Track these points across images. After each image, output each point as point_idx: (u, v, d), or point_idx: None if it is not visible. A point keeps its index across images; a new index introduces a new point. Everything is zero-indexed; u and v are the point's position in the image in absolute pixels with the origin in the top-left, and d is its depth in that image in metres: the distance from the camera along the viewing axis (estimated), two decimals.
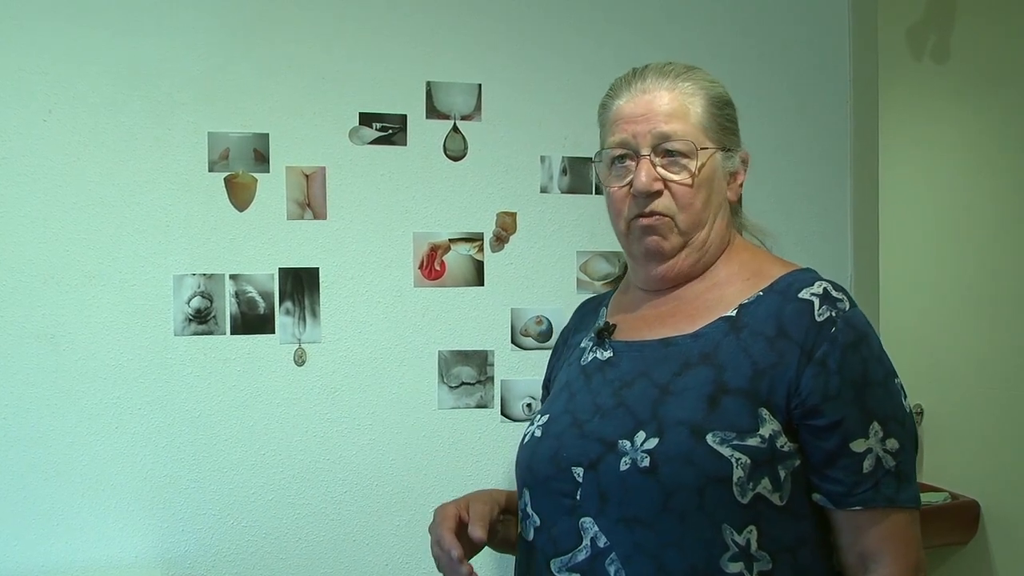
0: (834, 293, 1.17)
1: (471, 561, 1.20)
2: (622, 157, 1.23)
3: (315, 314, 1.90)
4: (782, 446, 1.13)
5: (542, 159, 2.01)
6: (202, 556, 1.84)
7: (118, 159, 1.81)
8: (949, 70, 3.16)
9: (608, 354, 1.26)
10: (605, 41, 2.03)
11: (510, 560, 1.33)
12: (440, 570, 1.24)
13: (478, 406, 1.97)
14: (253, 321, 1.87)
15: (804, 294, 1.17)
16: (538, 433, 1.26)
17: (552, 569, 1.17)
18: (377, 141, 1.93)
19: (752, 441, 1.11)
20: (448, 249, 1.96)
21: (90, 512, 1.79)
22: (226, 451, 1.85)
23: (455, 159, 1.97)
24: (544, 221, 2.01)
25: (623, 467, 1.13)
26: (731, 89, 1.28)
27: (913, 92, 3.23)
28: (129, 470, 1.81)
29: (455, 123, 1.97)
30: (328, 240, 1.90)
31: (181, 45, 1.84)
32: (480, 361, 1.97)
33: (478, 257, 1.98)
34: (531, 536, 1.22)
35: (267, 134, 1.88)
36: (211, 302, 1.85)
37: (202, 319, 1.84)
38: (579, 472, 1.17)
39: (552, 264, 2.01)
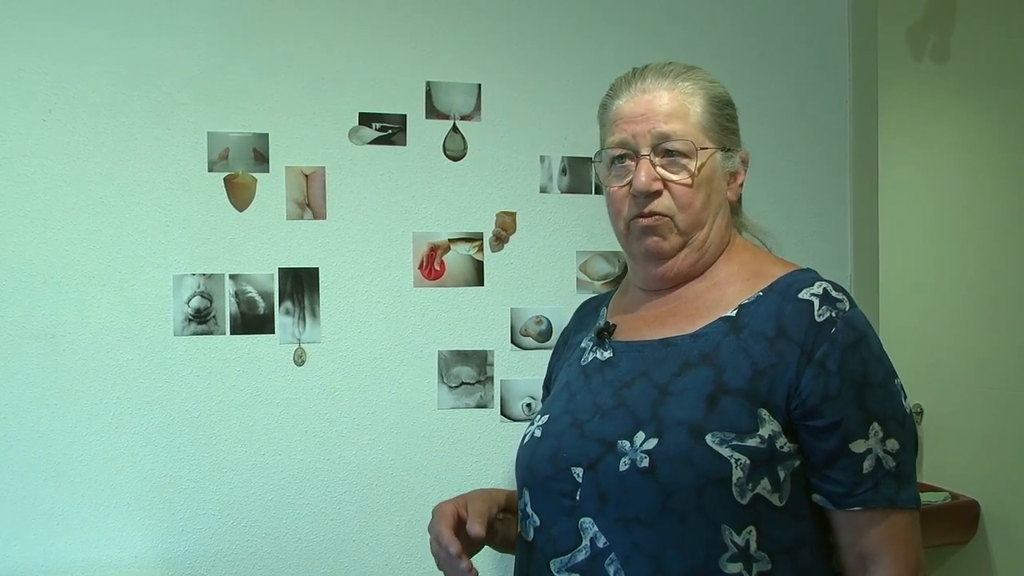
0: (834, 293, 1.17)
1: (471, 559, 1.20)
2: (622, 157, 1.23)
3: (315, 314, 1.90)
4: (782, 447, 1.13)
5: (542, 159, 2.01)
6: (202, 556, 1.84)
7: (118, 159, 1.81)
8: (949, 70, 3.15)
9: (608, 354, 1.26)
10: (605, 41, 2.03)
11: (510, 560, 1.33)
12: (440, 568, 1.24)
13: (478, 406, 1.97)
14: (253, 321, 1.87)
15: (804, 294, 1.17)
16: (538, 433, 1.26)
17: (552, 569, 1.17)
18: (377, 141, 1.93)
19: (751, 442, 1.11)
20: (448, 249, 1.96)
21: (90, 512, 1.79)
22: (226, 451, 1.85)
23: (455, 159, 1.97)
24: (544, 221, 2.01)
25: (622, 467, 1.13)
26: (731, 89, 1.28)
27: (913, 92, 3.23)
28: (129, 470, 1.81)
29: (455, 123, 1.97)
30: (328, 240, 1.90)
31: (181, 45, 1.84)
32: (480, 361, 1.97)
33: (478, 257, 1.98)
34: (531, 536, 1.22)
35: (267, 134, 1.88)
36: (211, 302, 1.85)
37: (202, 319, 1.84)
38: (579, 472, 1.17)
39: (552, 264, 2.01)
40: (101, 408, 1.80)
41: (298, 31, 1.89)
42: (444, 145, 1.96)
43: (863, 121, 2.21)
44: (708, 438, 1.11)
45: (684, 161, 1.21)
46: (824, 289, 1.17)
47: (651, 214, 1.21)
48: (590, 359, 1.28)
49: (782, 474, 1.13)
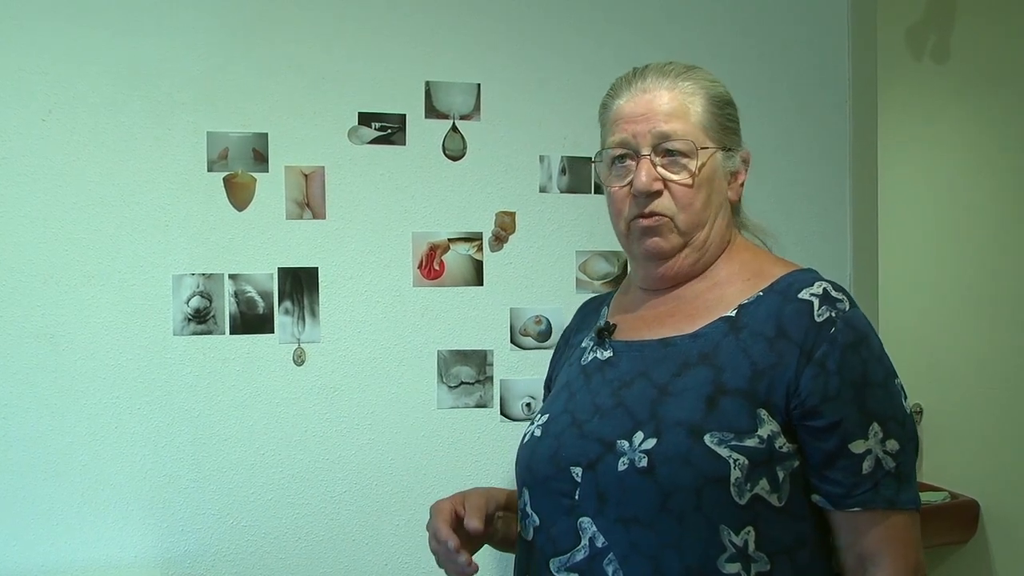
0: (834, 293, 1.17)
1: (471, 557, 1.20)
2: (622, 157, 1.23)
3: (314, 314, 1.90)
4: (781, 447, 1.13)
5: (541, 159, 2.01)
6: (202, 556, 1.84)
7: (118, 159, 1.81)
8: (949, 70, 3.15)
9: (608, 354, 1.26)
10: (605, 41, 2.03)
11: (509, 560, 1.33)
12: (440, 565, 1.24)
13: (477, 406, 1.97)
14: (252, 321, 1.87)
15: (804, 294, 1.17)
16: (538, 433, 1.26)
17: (551, 569, 1.17)
18: (376, 141, 1.93)
19: (750, 442, 1.11)
20: (447, 249, 1.96)
21: (90, 512, 1.79)
22: (226, 451, 1.85)
23: (454, 159, 1.97)
24: (543, 221, 2.01)
25: (621, 467, 1.13)
26: (731, 89, 1.28)
27: (913, 92, 3.23)
28: (129, 470, 1.81)
29: (454, 123, 1.97)
30: (327, 240, 1.91)
31: (181, 45, 1.84)
32: (479, 361, 1.97)
33: (477, 257, 1.98)
34: (530, 536, 1.22)
35: (266, 134, 1.88)
36: (210, 302, 1.85)
37: (201, 319, 1.84)
38: (578, 472, 1.17)
39: (551, 264, 2.01)
40: (101, 408, 1.80)
41: (298, 31, 1.89)
42: (444, 145, 1.96)
43: (863, 121, 2.21)
44: (707, 438, 1.11)
45: (685, 161, 1.20)
46: (824, 289, 1.17)
47: (651, 214, 1.21)
48: (590, 359, 1.28)
49: (781, 474, 1.13)
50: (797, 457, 1.14)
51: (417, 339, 1.94)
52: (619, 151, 1.23)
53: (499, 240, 1.99)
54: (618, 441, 1.15)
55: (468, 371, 1.97)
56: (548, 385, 1.43)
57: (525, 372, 1.99)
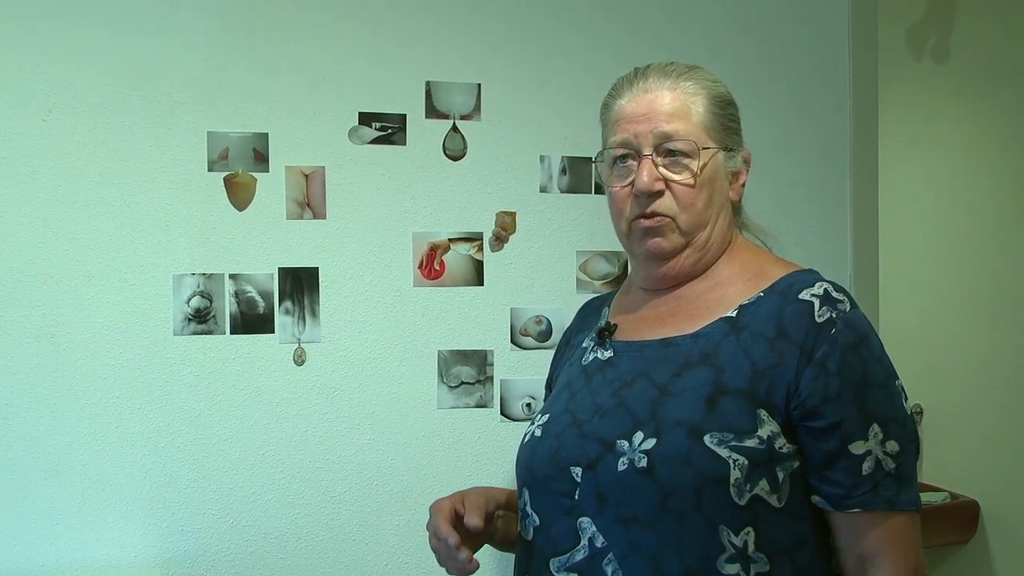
0: (835, 294, 1.17)
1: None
2: (624, 157, 1.23)
3: (314, 314, 1.90)
4: (781, 447, 1.13)
5: (541, 159, 2.01)
6: (202, 556, 1.84)
7: (118, 159, 1.81)
8: (949, 70, 3.15)
9: (609, 354, 1.26)
10: (605, 41, 2.03)
11: (509, 559, 1.33)
12: (441, 563, 1.24)
13: (478, 406, 1.97)
14: (253, 321, 1.87)
15: (804, 295, 1.17)
16: (538, 433, 1.26)
17: (551, 569, 1.17)
18: (377, 141, 1.93)
19: (750, 442, 1.11)
20: (448, 249, 1.96)
21: (90, 512, 1.79)
22: (226, 451, 1.85)
23: (454, 159, 1.97)
24: (544, 221, 2.01)
25: (621, 467, 1.13)
26: (731, 89, 1.28)
27: (913, 92, 3.23)
28: (129, 470, 1.81)
29: (454, 123, 1.97)
30: (327, 240, 1.90)
31: (181, 45, 1.84)
32: (480, 361, 1.97)
33: (478, 257, 1.98)
34: (531, 536, 1.22)
35: (266, 134, 1.88)
36: (211, 302, 1.85)
37: (202, 319, 1.84)
38: (577, 472, 1.17)
39: (552, 264, 2.01)
40: (101, 408, 1.80)
41: (298, 31, 1.89)
42: (444, 145, 1.96)
43: (863, 121, 2.21)
44: (706, 438, 1.11)
45: (686, 161, 1.20)
46: (825, 290, 1.17)
47: (653, 215, 1.21)
48: (591, 359, 1.28)
49: (781, 475, 1.13)
50: (797, 458, 1.14)
51: (417, 339, 1.94)
52: (621, 151, 1.23)
53: (499, 240, 1.99)
54: (618, 441, 1.15)
55: (468, 371, 1.97)
56: (549, 385, 1.44)
57: (525, 372, 1.99)
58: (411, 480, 1.93)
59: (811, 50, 2.17)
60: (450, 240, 1.96)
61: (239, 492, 1.86)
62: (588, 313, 1.42)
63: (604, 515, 1.14)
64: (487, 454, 1.97)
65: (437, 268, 1.95)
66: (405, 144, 1.94)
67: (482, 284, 1.98)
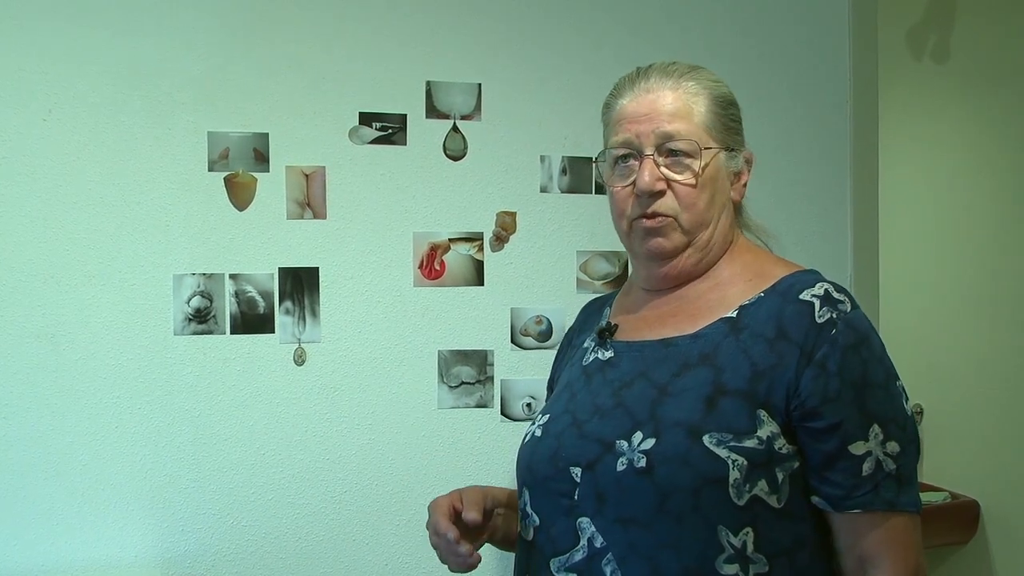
0: (835, 295, 1.17)
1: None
2: (625, 157, 1.23)
3: (315, 314, 1.90)
4: (780, 448, 1.12)
5: (542, 159, 2.01)
6: (202, 556, 1.84)
7: (118, 159, 1.81)
8: (949, 70, 3.15)
9: (609, 354, 1.26)
10: (605, 41, 2.03)
11: (509, 559, 1.33)
12: (442, 560, 1.24)
13: (478, 406, 1.97)
14: (253, 321, 1.87)
15: (805, 295, 1.17)
16: (538, 433, 1.26)
17: (551, 568, 1.17)
18: (377, 141, 1.93)
19: (749, 443, 1.11)
20: (448, 249, 1.96)
21: (90, 512, 1.79)
22: (226, 451, 1.85)
23: (455, 159, 1.97)
24: (544, 221, 2.01)
25: (620, 467, 1.13)
26: (731, 89, 1.28)
27: (913, 92, 3.23)
28: (129, 470, 1.81)
29: (455, 123, 1.97)
30: (328, 240, 1.90)
31: (181, 45, 1.84)
32: (480, 361, 1.97)
33: (478, 257, 1.98)
34: (531, 536, 1.22)
35: (267, 134, 1.88)
36: (211, 302, 1.85)
37: (202, 319, 1.84)
38: (577, 472, 1.17)
39: (552, 264, 2.01)
40: (101, 408, 1.80)
41: (298, 31, 1.89)
42: (444, 145, 1.96)
43: (863, 121, 2.21)
44: (705, 439, 1.11)
45: (688, 161, 1.20)
46: (825, 290, 1.17)
47: (654, 215, 1.21)
48: (591, 359, 1.28)
49: (780, 476, 1.12)
50: (797, 458, 1.14)
51: (418, 339, 1.94)
52: (622, 151, 1.23)
53: (500, 240, 1.99)
54: (617, 441, 1.15)
55: (469, 371, 1.97)
56: (551, 385, 1.44)
57: (525, 372, 1.99)
58: (411, 480, 1.93)
59: (811, 50, 2.16)
60: (450, 240, 1.96)
61: (239, 492, 1.86)
62: (590, 313, 1.42)
63: (603, 515, 1.14)
64: (487, 454, 1.97)
65: (437, 268, 1.95)
66: (405, 144, 1.94)
67: (482, 284, 1.98)
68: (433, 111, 1.96)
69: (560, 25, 2.02)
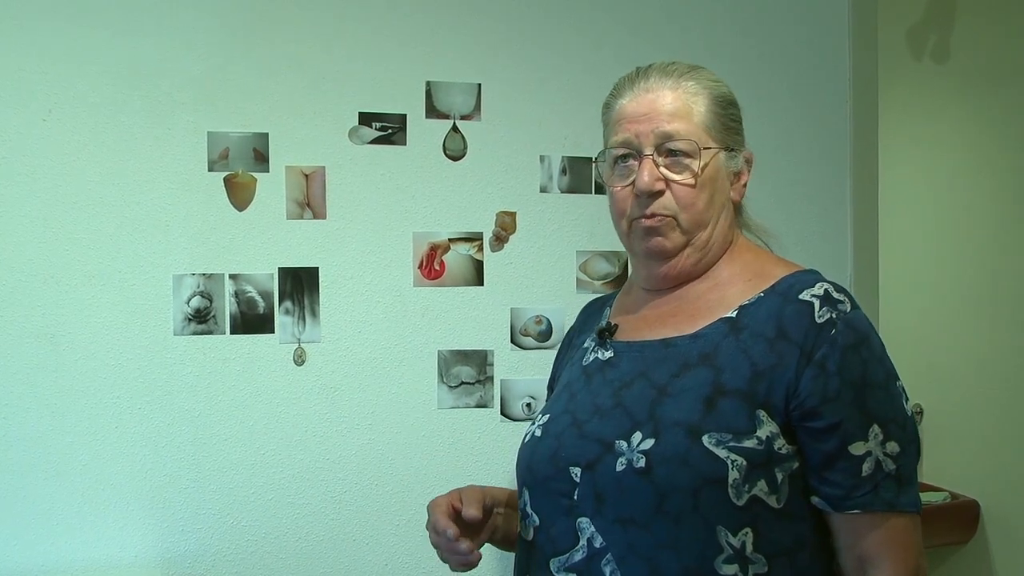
0: (835, 295, 1.16)
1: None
2: (625, 157, 1.23)
3: (315, 314, 1.90)
4: (780, 448, 1.12)
5: (542, 159, 2.01)
6: (202, 556, 1.84)
7: (118, 159, 1.81)
8: (949, 70, 3.15)
9: (609, 354, 1.26)
10: (605, 41, 2.03)
11: (509, 559, 1.33)
12: (442, 558, 1.25)
13: (478, 406, 1.97)
14: (253, 321, 1.87)
15: (805, 295, 1.16)
16: (538, 433, 1.26)
17: (551, 569, 1.17)
18: (377, 141, 1.93)
19: (749, 443, 1.11)
20: (448, 249, 1.96)
21: (90, 512, 1.79)
22: (226, 451, 1.85)
23: (455, 159, 1.97)
24: (544, 221, 2.01)
25: (619, 468, 1.13)
26: (731, 89, 1.28)
27: (913, 92, 3.23)
28: (129, 470, 1.81)
29: (455, 123, 1.97)
30: (328, 240, 1.91)
31: (181, 45, 1.84)
32: (480, 361, 1.97)
33: (478, 257, 1.98)
34: (531, 536, 1.22)
35: (267, 134, 1.88)
36: (211, 302, 1.85)
37: (202, 319, 1.84)
38: (576, 472, 1.17)
39: (552, 264, 2.01)
40: (101, 408, 1.80)
41: (298, 31, 1.89)
42: (444, 145, 1.96)
43: (863, 121, 2.21)
44: (705, 439, 1.11)
45: (687, 161, 1.20)
46: (825, 290, 1.16)
47: (654, 215, 1.21)
48: (591, 359, 1.28)
49: (780, 476, 1.12)
50: (796, 459, 1.14)
51: (417, 339, 1.95)
52: (622, 151, 1.23)
53: (500, 240, 1.99)
54: (617, 441, 1.15)
55: (468, 371, 1.97)
56: (551, 385, 1.43)
57: (525, 372, 1.99)
58: (411, 480, 1.93)
59: (811, 50, 2.17)
60: (450, 240, 1.96)
61: (239, 492, 1.86)
62: (590, 313, 1.42)
63: (602, 515, 1.14)
64: (487, 454, 1.97)
65: (437, 268, 1.95)
66: (405, 144, 1.94)
67: (482, 284, 1.98)
68: (433, 111, 1.96)
69: (560, 25, 2.02)
